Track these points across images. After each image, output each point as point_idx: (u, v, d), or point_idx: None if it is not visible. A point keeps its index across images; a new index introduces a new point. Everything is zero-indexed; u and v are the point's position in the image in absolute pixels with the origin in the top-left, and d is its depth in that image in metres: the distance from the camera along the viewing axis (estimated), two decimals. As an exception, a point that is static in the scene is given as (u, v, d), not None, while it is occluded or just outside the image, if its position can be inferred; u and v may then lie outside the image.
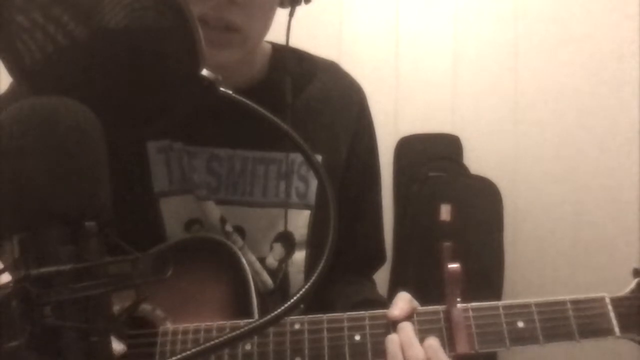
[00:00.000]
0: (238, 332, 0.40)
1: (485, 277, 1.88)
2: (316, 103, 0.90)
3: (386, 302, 0.76)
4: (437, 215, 1.90)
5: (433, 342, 0.70)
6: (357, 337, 0.72)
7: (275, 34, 0.84)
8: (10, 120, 0.38)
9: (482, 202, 1.95)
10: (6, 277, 0.37)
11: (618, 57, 2.02)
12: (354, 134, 0.94)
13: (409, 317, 0.72)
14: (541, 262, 2.03)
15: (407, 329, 0.70)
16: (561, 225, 2.04)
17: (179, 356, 0.38)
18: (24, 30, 0.45)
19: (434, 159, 2.01)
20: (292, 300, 0.42)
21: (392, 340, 0.70)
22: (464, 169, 2.03)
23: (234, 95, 0.51)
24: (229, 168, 0.85)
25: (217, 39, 0.73)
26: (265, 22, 0.79)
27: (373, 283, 1.02)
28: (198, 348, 0.39)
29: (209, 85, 0.49)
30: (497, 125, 2.06)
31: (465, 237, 1.88)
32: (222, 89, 0.50)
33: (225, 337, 0.40)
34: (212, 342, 0.40)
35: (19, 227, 0.37)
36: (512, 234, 1.99)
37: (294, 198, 0.87)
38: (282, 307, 0.42)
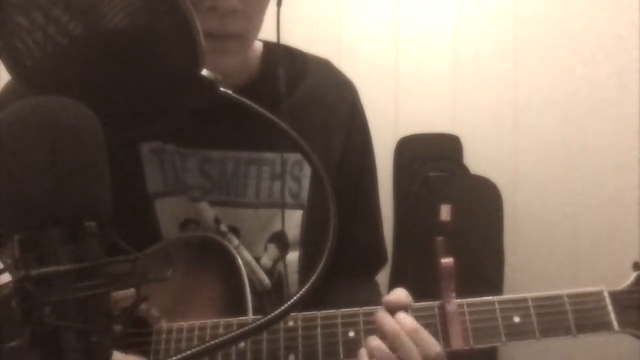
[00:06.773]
0: (235, 333, 0.40)
1: (485, 277, 1.88)
2: (308, 101, 0.89)
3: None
4: (437, 215, 1.89)
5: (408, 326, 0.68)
6: (351, 334, 0.71)
7: (271, 32, 0.83)
8: (10, 120, 0.38)
9: (482, 202, 1.94)
10: (6, 277, 0.37)
11: (618, 57, 2.01)
12: (347, 133, 0.92)
13: (404, 307, 0.70)
14: (541, 262, 2.03)
15: (396, 327, 0.68)
16: (561, 225, 2.03)
17: (178, 356, 0.38)
18: (24, 30, 0.45)
19: (434, 159, 2.01)
20: (291, 301, 0.42)
21: (380, 348, 0.67)
22: (464, 169, 2.02)
23: (234, 95, 0.51)
24: (222, 169, 0.85)
25: (219, 47, 0.73)
26: (261, 23, 0.80)
27: (375, 284, 1.00)
28: (195, 349, 0.39)
29: (209, 86, 0.49)
30: (497, 125, 2.05)
31: (465, 237, 1.88)
32: (222, 89, 0.50)
33: (223, 338, 0.40)
34: (209, 344, 0.39)
35: (19, 226, 0.37)
36: (512, 234, 1.99)
37: (288, 198, 0.87)
38: (281, 308, 0.41)
